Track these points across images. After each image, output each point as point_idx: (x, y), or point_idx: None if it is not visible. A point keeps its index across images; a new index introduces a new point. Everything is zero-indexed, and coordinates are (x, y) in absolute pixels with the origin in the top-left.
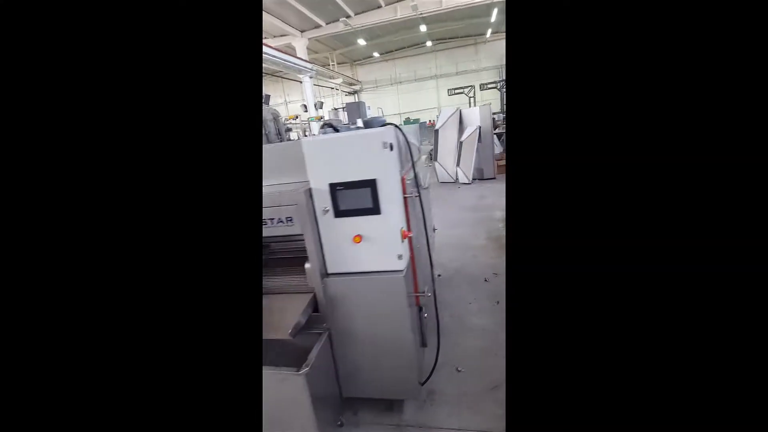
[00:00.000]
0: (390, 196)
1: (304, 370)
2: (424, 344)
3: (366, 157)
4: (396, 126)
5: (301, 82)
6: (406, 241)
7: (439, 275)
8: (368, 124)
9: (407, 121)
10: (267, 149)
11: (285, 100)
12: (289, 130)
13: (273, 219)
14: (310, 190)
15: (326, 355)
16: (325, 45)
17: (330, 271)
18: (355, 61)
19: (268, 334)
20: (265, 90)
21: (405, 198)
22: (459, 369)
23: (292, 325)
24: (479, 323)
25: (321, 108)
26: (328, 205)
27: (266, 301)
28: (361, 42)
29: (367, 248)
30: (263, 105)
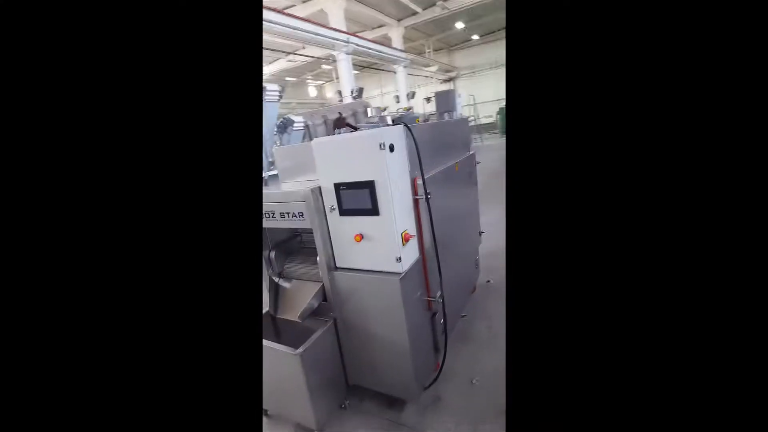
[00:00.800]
0: (390, 198)
1: (300, 350)
2: (437, 348)
3: (364, 159)
4: (406, 126)
5: (395, 72)
6: (410, 244)
7: (488, 281)
8: (397, 121)
9: (502, 111)
10: (296, 149)
11: (381, 92)
12: None
13: (288, 213)
14: (319, 188)
15: (329, 342)
16: (422, 32)
17: (339, 265)
18: (452, 46)
19: (284, 314)
20: (361, 83)
21: (416, 200)
22: (474, 381)
23: (301, 309)
24: None
25: (413, 98)
26: (335, 203)
27: (290, 284)
28: (459, 25)
29: (368, 247)
30: (356, 98)
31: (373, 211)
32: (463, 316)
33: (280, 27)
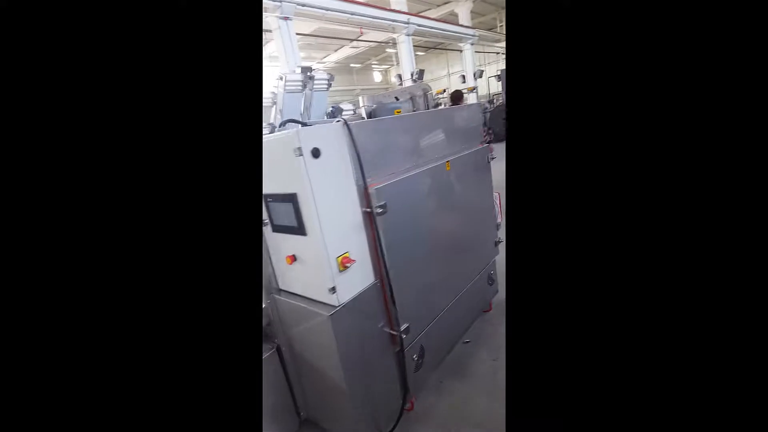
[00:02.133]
0: (316, 214)
1: None
2: (406, 388)
3: (284, 166)
4: (346, 123)
5: (461, 51)
6: (354, 269)
7: None
8: (373, 114)
9: None
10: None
11: (448, 72)
12: (438, 104)
13: None
14: None
15: (271, 370)
16: (493, 5)
17: (281, 287)
18: None
19: None
20: (426, 64)
21: (368, 213)
22: None
23: None
24: None
25: (480, 76)
26: (267, 217)
27: None
28: None
29: (301, 271)
30: (417, 81)
31: (299, 229)
32: (466, 342)
33: (337, 13)
